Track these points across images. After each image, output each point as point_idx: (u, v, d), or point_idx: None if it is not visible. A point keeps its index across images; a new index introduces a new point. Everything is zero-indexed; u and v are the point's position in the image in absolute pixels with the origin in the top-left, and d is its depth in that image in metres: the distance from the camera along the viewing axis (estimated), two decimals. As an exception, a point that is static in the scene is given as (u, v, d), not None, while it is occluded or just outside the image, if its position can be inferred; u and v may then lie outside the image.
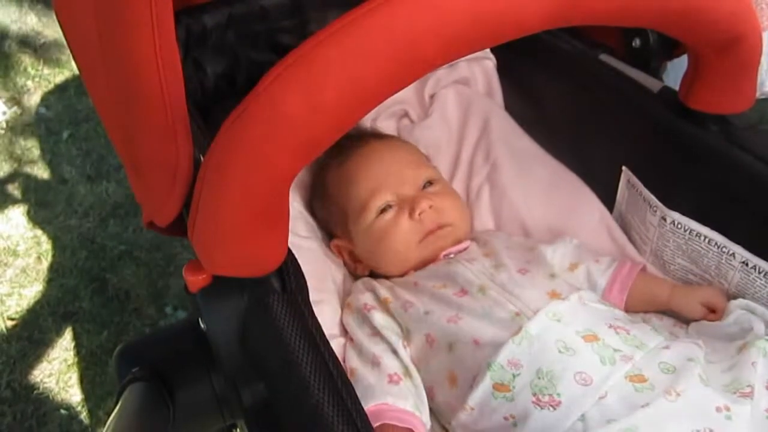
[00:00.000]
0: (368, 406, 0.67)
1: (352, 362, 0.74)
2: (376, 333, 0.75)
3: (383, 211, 0.85)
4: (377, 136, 0.97)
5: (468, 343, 0.69)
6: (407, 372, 0.72)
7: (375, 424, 0.65)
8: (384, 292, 0.79)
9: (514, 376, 0.64)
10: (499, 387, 0.65)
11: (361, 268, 0.89)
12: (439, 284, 0.77)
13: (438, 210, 0.84)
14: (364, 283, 0.83)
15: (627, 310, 0.78)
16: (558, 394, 0.62)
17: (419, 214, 0.83)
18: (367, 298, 0.79)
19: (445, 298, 0.74)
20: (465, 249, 0.84)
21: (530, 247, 0.83)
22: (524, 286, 0.73)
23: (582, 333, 0.65)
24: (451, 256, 0.83)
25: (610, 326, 0.67)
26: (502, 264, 0.78)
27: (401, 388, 0.70)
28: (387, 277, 0.85)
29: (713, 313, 0.77)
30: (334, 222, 0.90)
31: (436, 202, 0.84)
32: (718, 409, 0.60)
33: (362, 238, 0.86)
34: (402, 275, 0.84)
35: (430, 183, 0.88)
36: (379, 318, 0.76)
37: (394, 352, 0.73)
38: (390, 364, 0.72)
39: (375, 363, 0.72)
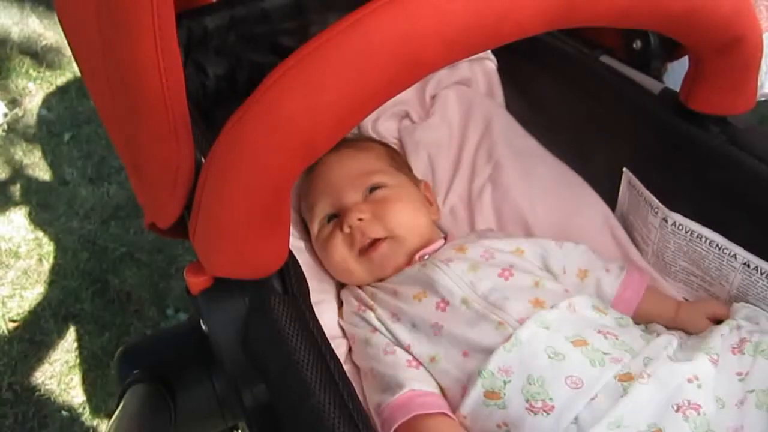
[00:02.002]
0: (396, 397, 0.67)
1: (364, 362, 0.74)
2: (375, 330, 0.75)
3: (330, 221, 0.83)
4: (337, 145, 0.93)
5: (455, 354, 0.68)
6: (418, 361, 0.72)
7: (406, 417, 0.65)
8: (370, 301, 0.78)
9: (504, 383, 0.64)
10: (489, 395, 0.65)
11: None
12: (419, 291, 0.75)
13: (376, 220, 0.80)
14: (352, 291, 0.82)
15: (634, 318, 0.78)
16: (551, 399, 0.62)
17: (348, 227, 0.80)
18: (357, 303, 0.79)
19: (427, 309, 0.73)
20: (438, 249, 0.81)
21: (516, 250, 0.81)
22: (507, 296, 0.71)
23: (571, 338, 0.66)
24: (426, 257, 0.80)
25: (599, 332, 0.68)
26: (478, 266, 0.76)
27: (422, 372, 0.70)
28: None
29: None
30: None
31: (372, 211, 0.80)
32: (689, 380, 0.62)
33: (316, 249, 0.86)
34: (379, 281, 0.82)
35: (376, 188, 0.84)
36: (374, 317, 0.76)
37: (398, 345, 0.73)
38: (404, 352, 0.72)
39: (390, 351, 0.72)
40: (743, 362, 0.66)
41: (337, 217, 0.83)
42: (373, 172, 0.86)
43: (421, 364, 0.71)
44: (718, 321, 0.76)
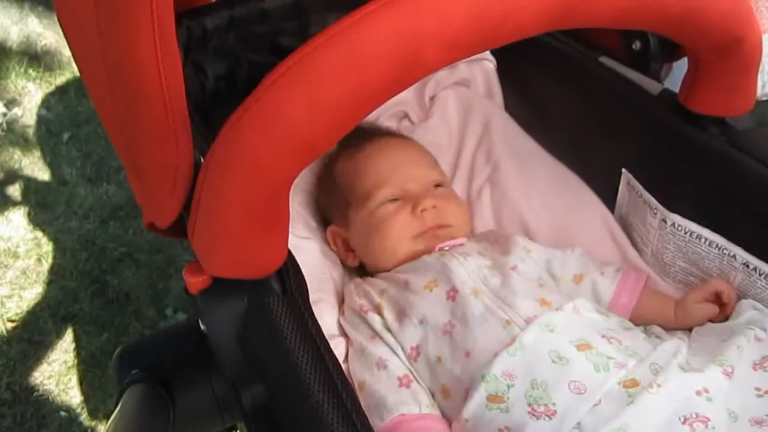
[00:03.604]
0: (385, 422, 0.67)
1: (358, 374, 0.73)
2: (375, 335, 0.75)
3: (388, 202, 0.85)
4: (392, 133, 0.98)
5: (459, 355, 0.68)
6: (411, 372, 0.71)
7: None
8: (377, 298, 0.78)
9: (508, 387, 0.64)
10: (493, 398, 0.64)
11: (351, 257, 0.88)
12: (431, 280, 0.75)
13: (441, 211, 0.84)
14: (357, 286, 0.82)
15: (632, 321, 0.78)
16: (553, 404, 0.62)
17: (422, 211, 0.83)
18: (362, 301, 0.78)
19: (437, 301, 0.73)
20: (461, 244, 0.83)
21: (525, 247, 0.82)
22: (516, 293, 0.72)
23: (575, 342, 0.65)
24: (446, 249, 0.81)
25: (603, 336, 0.67)
26: (498, 262, 0.77)
27: (413, 391, 0.69)
28: (375, 272, 0.85)
29: (722, 305, 0.76)
30: (334, 208, 0.91)
31: (440, 203, 0.85)
32: (698, 393, 0.61)
33: (360, 225, 0.86)
34: (391, 269, 0.83)
35: (437, 186, 0.88)
36: (377, 320, 0.75)
37: (395, 353, 0.72)
38: (397, 365, 0.71)
39: (381, 365, 0.71)
40: (764, 379, 0.64)
41: (396, 201, 0.85)
42: (432, 168, 0.92)
43: (414, 379, 0.71)
44: (718, 300, 0.76)
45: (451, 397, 0.68)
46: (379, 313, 0.76)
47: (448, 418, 0.69)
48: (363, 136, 0.92)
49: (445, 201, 0.86)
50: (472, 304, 0.71)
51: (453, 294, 0.73)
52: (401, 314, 0.74)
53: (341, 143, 0.90)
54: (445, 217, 0.85)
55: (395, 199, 0.85)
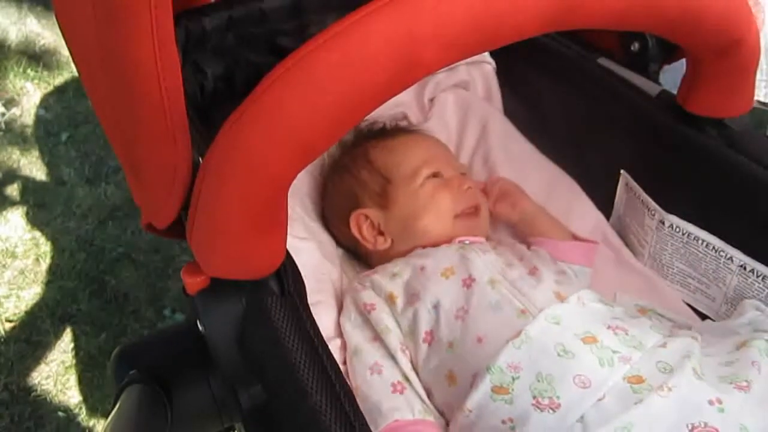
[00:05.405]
0: (379, 428, 0.67)
1: (352, 379, 0.73)
2: (376, 337, 0.75)
3: (433, 176, 0.87)
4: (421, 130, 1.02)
5: (471, 340, 0.69)
6: (407, 378, 0.72)
7: None
8: (389, 286, 0.77)
9: (513, 378, 0.64)
10: (498, 390, 0.64)
11: (381, 241, 0.87)
12: (447, 268, 0.76)
13: (477, 193, 0.89)
14: (362, 281, 0.82)
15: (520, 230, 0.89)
16: (558, 397, 0.62)
17: (467, 188, 0.87)
18: (367, 297, 0.78)
19: (452, 288, 0.74)
20: (480, 242, 0.84)
21: (535, 251, 0.84)
22: (533, 286, 0.73)
23: (581, 335, 0.65)
24: (467, 242, 0.83)
25: (609, 327, 0.67)
26: (513, 264, 0.78)
27: (407, 397, 0.70)
28: (394, 258, 0.84)
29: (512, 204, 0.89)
30: (366, 190, 0.89)
31: (476, 187, 0.90)
32: (710, 402, 0.60)
33: (405, 201, 0.86)
34: (410, 250, 0.84)
35: (464, 175, 0.92)
36: (380, 319, 0.75)
37: (393, 357, 0.73)
38: (392, 371, 0.72)
39: (376, 370, 0.72)
40: None
41: (439, 177, 0.88)
42: (460, 163, 0.98)
43: (409, 385, 0.71)
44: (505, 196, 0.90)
45: (457, 383, 0.69)
46: (389, 305, 0.76)
47: (450, 408, 0.69)
48: (396, 129, 0.97)
49: (477, 188, 0.92)
50: (488, 292, 0.72)
51: (470, 282, 0.74)
52: (414, 298, 0.75)
53: (372, 134, 0.95)
54: (478, 200, 0.88)
55: (440, 176, 0.88)
